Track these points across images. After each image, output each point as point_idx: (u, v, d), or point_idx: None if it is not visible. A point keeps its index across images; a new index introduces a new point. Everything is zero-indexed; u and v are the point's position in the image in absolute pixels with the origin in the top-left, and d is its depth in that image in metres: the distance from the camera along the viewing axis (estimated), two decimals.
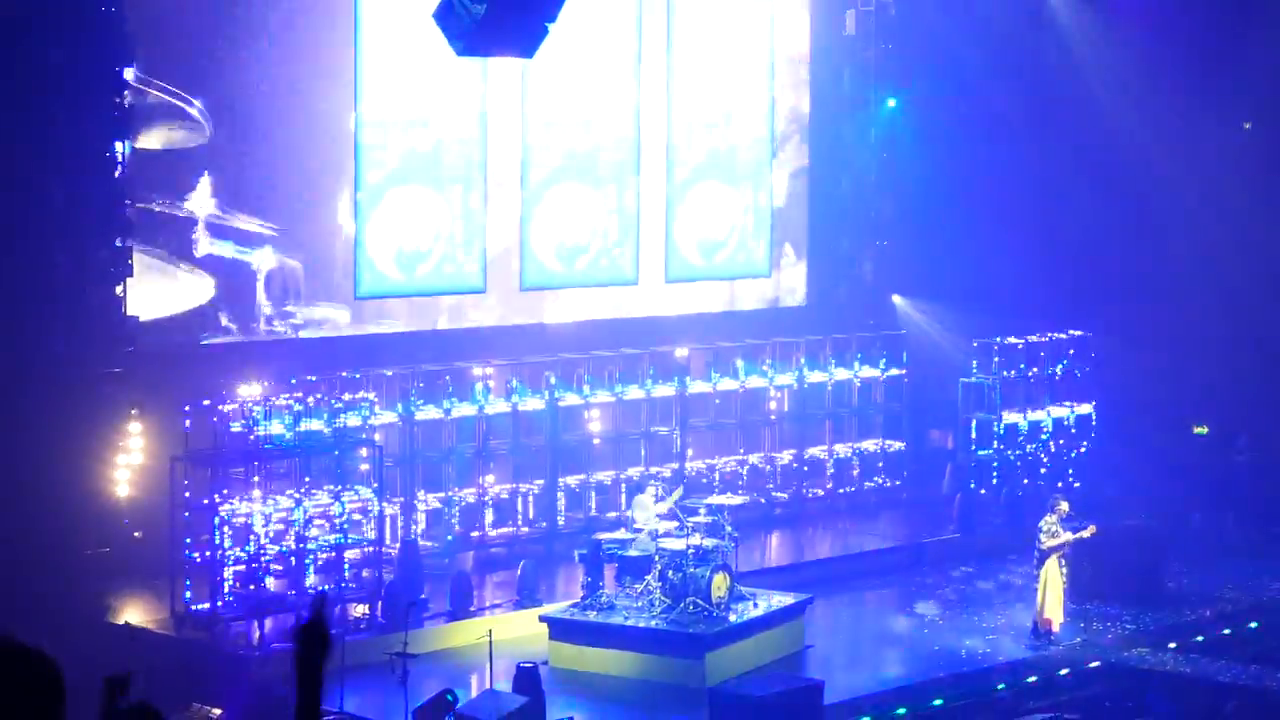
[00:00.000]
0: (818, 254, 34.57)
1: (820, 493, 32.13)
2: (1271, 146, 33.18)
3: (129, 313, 25.29)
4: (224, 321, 27.13)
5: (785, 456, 31.97)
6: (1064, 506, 24.36)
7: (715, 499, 24.70)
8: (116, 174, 25.01)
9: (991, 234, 33.02)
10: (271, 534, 23.84)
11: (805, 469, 32.12)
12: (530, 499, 28.37)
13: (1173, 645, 24.49)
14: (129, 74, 25.20)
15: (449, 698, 19.48)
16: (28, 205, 24.26)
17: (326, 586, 23.56)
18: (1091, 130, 33.55)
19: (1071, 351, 32.69)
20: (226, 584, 23.31)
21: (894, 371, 32.93)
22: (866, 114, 34.63)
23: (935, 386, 32.62)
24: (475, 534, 27.63)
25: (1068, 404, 32.50)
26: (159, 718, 5.47)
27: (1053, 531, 24.05)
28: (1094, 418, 32.67)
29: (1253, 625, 25.65)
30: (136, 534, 25.23)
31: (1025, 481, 31.41)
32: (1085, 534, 24.34)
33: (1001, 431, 31.60)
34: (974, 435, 31.69)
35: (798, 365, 31.92)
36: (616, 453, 29.52)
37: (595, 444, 29.33)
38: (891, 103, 34.46)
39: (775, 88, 33.77)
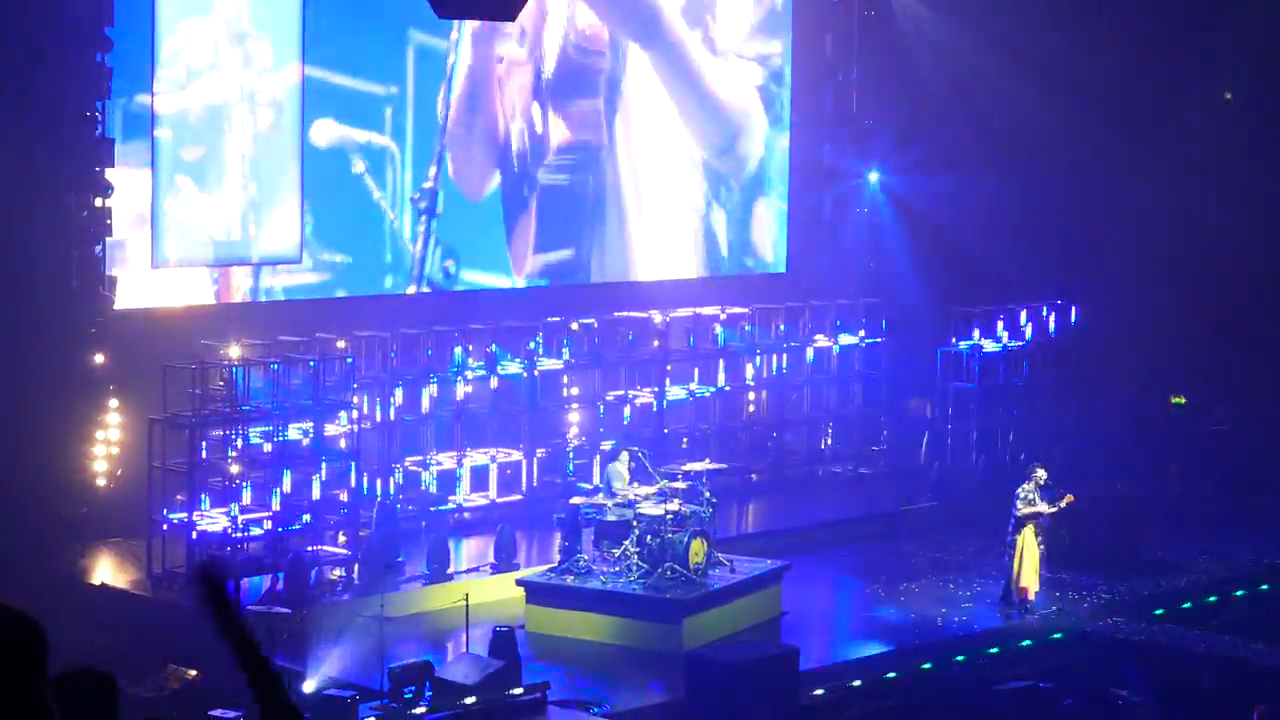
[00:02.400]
0: (797, 221, 34.53)
1: (797, 459, 32.17)
2: (1252, 117, 33.18)
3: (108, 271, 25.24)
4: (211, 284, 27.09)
5: (763, 423, 32.04)
6: (1041, 474, 24.39)
7: (693, 465, 24.69)
8: (97, 133, 24.90)
9: (972, 203, 32.98)
10: (249, 496, 23.79)
11: (783, 436, 32.16)
12: (509, 464, 28.34)
13: (1149, 614, 24.56)
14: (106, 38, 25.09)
15: (415, 659, 19.56)
16: (7, 164, 24.14)
17: (311, 550, 23.57)
18: (1073, 98, 33.50)
19: (1053, 323, 32.74)
20: (202, 545, 23.25)
21: (872, 339, 32.98)
22: (847, 80, 34.59)
23: (914, 355, 32.61)
24: (452, 504, 27.60)
25: (1044, 372, 32.58)
26: (110, 682, 5.43)
27: (1029, 499, 24.09)
28: (1072, 388, 32.70)
29: (1229, 595, 25.73)
30: (114, 494, 25.19)
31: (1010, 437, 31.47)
32: (1062, 504, 24.40)
33: (975, 398, 31.62)
34: (953, 402, 31.72)
35: (777, 332, 31.93)
36: (594, 418, 29.50)
37: (573, 409, 29.33)
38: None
39: (758, 55, 33.70)
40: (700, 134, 33.05)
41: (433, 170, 29.23)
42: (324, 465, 24.47)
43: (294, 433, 24.45)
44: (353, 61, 28.21)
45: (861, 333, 32.77)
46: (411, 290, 29.28)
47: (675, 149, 32.72)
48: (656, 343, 30.33)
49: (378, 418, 26.67)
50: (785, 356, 32.15)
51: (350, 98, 28.25)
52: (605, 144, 31.71)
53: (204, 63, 26.54)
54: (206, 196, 26.63)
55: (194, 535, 23.10)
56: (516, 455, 28.37)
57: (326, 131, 28.02)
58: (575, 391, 29.50)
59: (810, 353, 32.45)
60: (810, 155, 34.52)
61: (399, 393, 26.97)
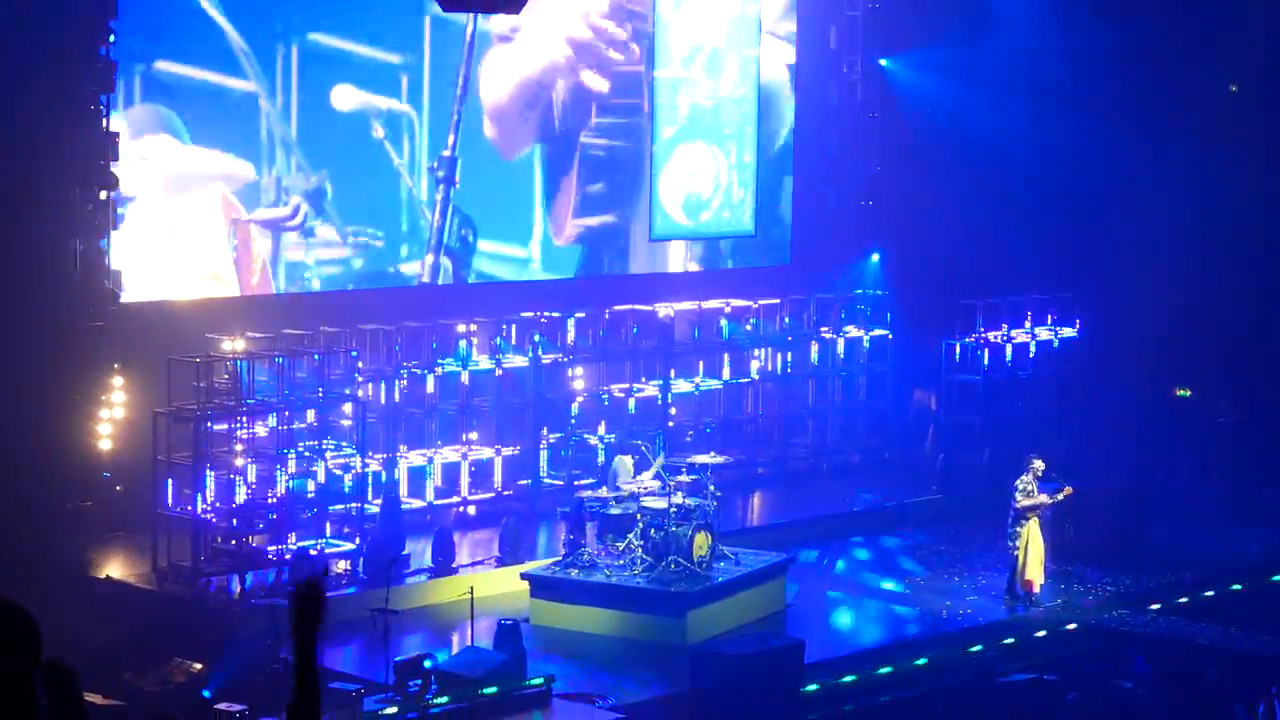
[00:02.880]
0: (803, 213, 34.53)
1: (802, 452, 32.18)
2: (1259, 109, 33.12)
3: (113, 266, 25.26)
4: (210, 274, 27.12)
5: (768, 416, 32.08)
6: (1039, 465, 24.41)
7: (698, 458, 24.70)
8: (102, 125, 24.90)
9: (978, 196, 32.96)
10: (254, 489, 23.79)
11: (788, 429, 32.18)
12: (515, 457, 28.34)
13: (1154, 607, 24.56)
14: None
15: (420, 653, 19.56)
16: (11, 157, 24.15)
17: (316, 545, 23.57)
18: (1079, 92, 33.49)
19: (1056, 315, 32.77)
20: (208, 539, 23.26)
21: (878, 332, 32.99)
22: (854, 72, 34.56)
23: (920, 347, 32.61)
24: (457, 498, 27.61)
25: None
26: (71, 677, 5.43)
27: (1028, 491, 24.10)
28: (1077, 380, 32.72)
29: (1234, 588, 25.71)
30: (118, 488, 25.23)
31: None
32: (1060, 496, 24.40)
33: (981, 391, 31.64)
34: (957, 395, 31.74)
35: (782, 325, 31.94)
36: (599, 411, 29.50)
37: (578, 402, 29.33)
38: (884, 62, 34.41)
39: (762, 44, 33.69)
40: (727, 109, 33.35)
41: (451, 139, 29.27)
42: (328, 459, 24.45)
43: (298, 425, 24.46)
44: (368, 29, 28.32)
45: (864, 333, 32.77)
46: (429, 259, 29.33)
47: (705, 120, 32.91)
48: (660, 339, 30.33)
49: (383, 408, 26.68)
50: (790, 350, 32.15)
51: (366, 65, 28.34)
52: (646, 110, 31.89)
53: None
54: None
55: (202, 531, 23.05)
56: (506, 451, 28.38)
57: (348, 97, 28.14)
58: (580, 385, 29.50)
59: (815, 346, 32.44)
60: (816, 140, 34.55)
61: (398, 385, 26.98)
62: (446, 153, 29.22)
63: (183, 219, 26.59)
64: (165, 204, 26.31)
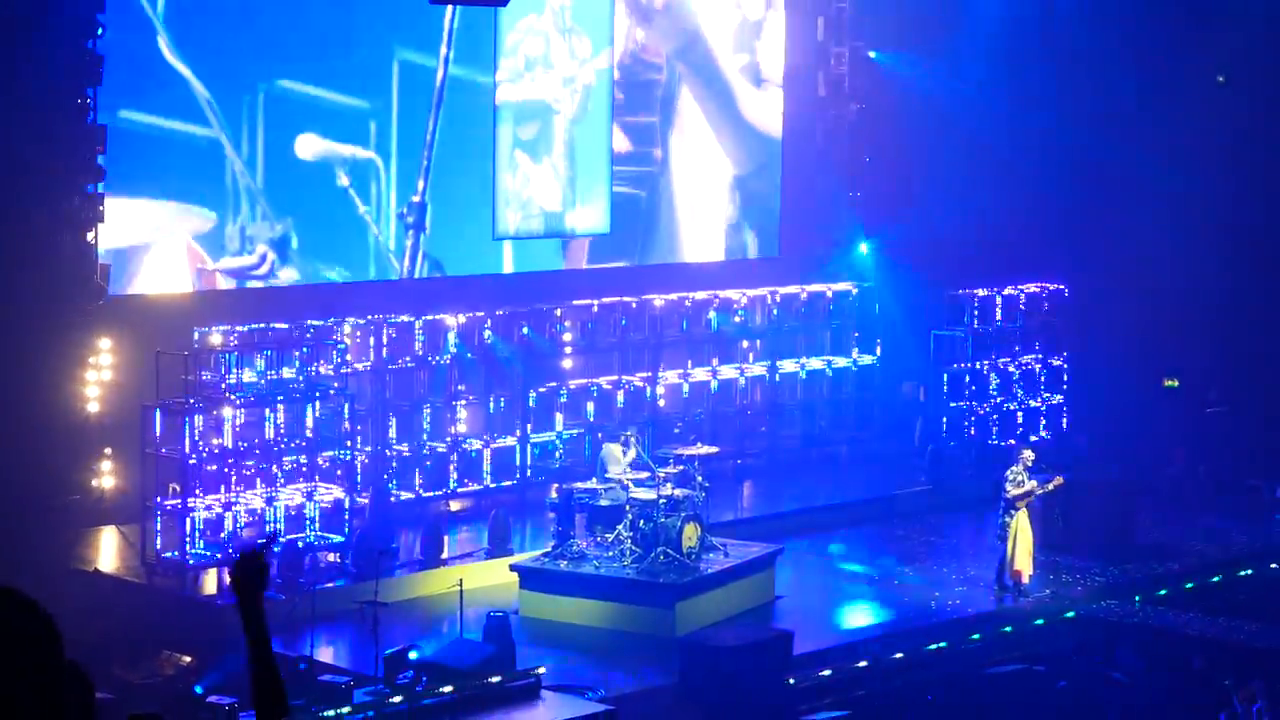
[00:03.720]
0: (791, 206, 34.52)
1: (791, 443, 32.21)
2: (1246, 101, 33.12)
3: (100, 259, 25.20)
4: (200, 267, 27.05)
5: (756, 407, 32.11)
6: (1029, 455, 24.45)
7: (686, 449, 24.70)
8: (89, 119, 24.85)
9: (966, 187, 32.97)
10: (242, 482, 23.79)
11: (776, 421, 32.21)
12: (501, 449, 28.36)
13: (1141, 598, 24.59)
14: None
15: (408, 645, 19.55)
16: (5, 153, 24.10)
17: (307, 538, 23.57)
18: (1067, 84, 33.51)
19: (1046, 305, 32.82)
20: (197, 532, 23.25)
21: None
22: (842, 65, 34.54)
23: (908, 338, 32.63)
24: (443, 494, 27.61)
25: (1038, 356, 32.65)
26: (87, 684, 5.42)
27: (1018, 481, 24.12)
28: (1066, 371, 32.81)
29: (1221, 578, 25.74)
30: (107, 481, 25.18)
31: (995, 431, 31.54)
32: (1051, 486, 24.43)
33: (969, 382, 31.72)
34: (945, 386, 31.80)
35: (770, 316, 31.97)
36: (587, 403, 29.51)
37: (564, 399, 29.32)
38: (872, 54, 34.40)
39: (749, 38, 33.69)
40: (735, 156, 33.36)
41: (420, 184, 29.18)
42: (317, 452, 24.45)
43: (286, 416, 24.43)
44: (337, 76, 28.25)
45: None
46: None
47: (713, 168, 33.06)
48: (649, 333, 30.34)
49: (371, 401, 26.68)
50: (779, 341, 32.19)
51: (334, 111, 28.24)
52: (660, 159, 32.06)
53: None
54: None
55: (190, 524, 23.07)
56: (510, 441, 28.39)
57: (311, 146, 28.00)
58: (568, 369, 29.54)
59: (803, 338, 32.50)
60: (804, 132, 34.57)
61: (387, 378, 26.99)
62: (416, 198, 29.15)
63: (148, 268, 26.51)
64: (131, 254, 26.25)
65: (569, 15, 30.80)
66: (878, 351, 33.22)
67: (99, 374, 25.09)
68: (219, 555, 22.91)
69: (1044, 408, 32.64)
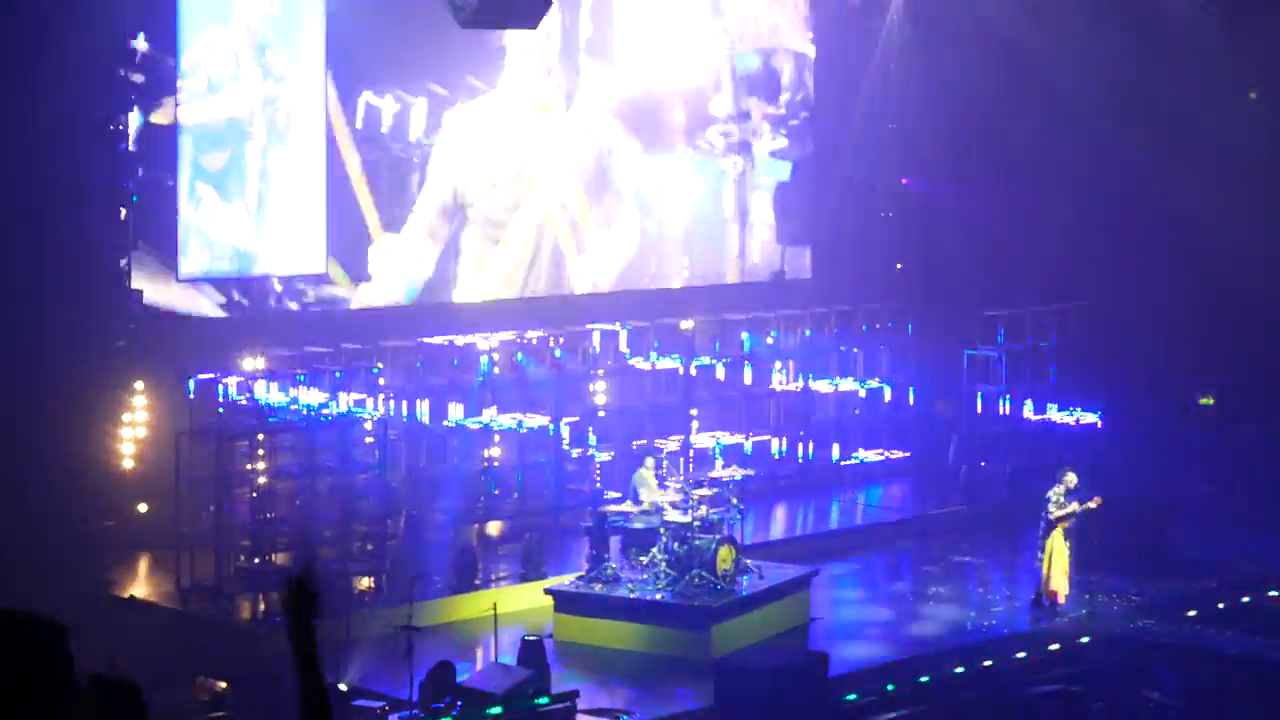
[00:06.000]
0: (823, 227, 34.46)
1: (825, 464, 32.14)
2: (1278, 115, 32.96)
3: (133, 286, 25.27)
4: (234, 296, 27.01)
5: (790, 429, 32.06)
6: (1071, 478, 24.33)
7: (721, 472, 24.65)
8: (122, 146, 24.95)
9: (996, 206, 32.90)
10: (277, 507, 23.82)
11: (811, 442, 32.14)
12: (535, 472, 28.36)
13: (1179, 616, 24.45)
14: (140, 43, 25.14)
15: (443, 669, 19.50)
16: (29, 178, 24.19)
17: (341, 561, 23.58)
18: (1096, 100, 33.36)
19: (1078, 324, 32.71)
20: (232, 557, 23.29)
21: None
22: (874, 86, 34.51)
23: (941, 358, 32.56)
24: (480, 511, 27.63)
25: (1072, 375, 32.53)
26: (136, 694, 5.43)
27: (1060, 502, 24.03)
28: (1100, 390, 32.67)
29: (1258, 596, 25.59)
30: (142, 507, 25.26)
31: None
32: (1091, 505, 24.32)
33: (1007, 410, 31.66)
34: (980, 406, 31.72)
35: (802, 337, 31.94)
36: (621, 425, 29.48)
37: (600, 416, 29.32)
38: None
39: (781, 61, 33.68)
40: None
41: None
42: (352, 475, 24.47)
43: (320, 441, 24.47)
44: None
45: (884, 345, 32.75)
46: None
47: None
48: (681, 354, 30.29)
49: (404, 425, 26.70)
50: (811, 362, 32.14)
51: None
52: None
53: (226, 74, 26.43)
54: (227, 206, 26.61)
55: (225, 550, 23.10)
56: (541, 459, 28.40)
57: None
58: (602, 400, 29.50)
59: (835, 358, 32.45)
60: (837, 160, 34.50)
61: (424, 404, 27.01)
62: None
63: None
64: None
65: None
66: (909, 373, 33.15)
67: (133, 398, 25.16)
68: (255, 581, 22.94)
69: (1078, 425, 32.46)
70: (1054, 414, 31.90)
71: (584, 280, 31.09)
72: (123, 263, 25.06)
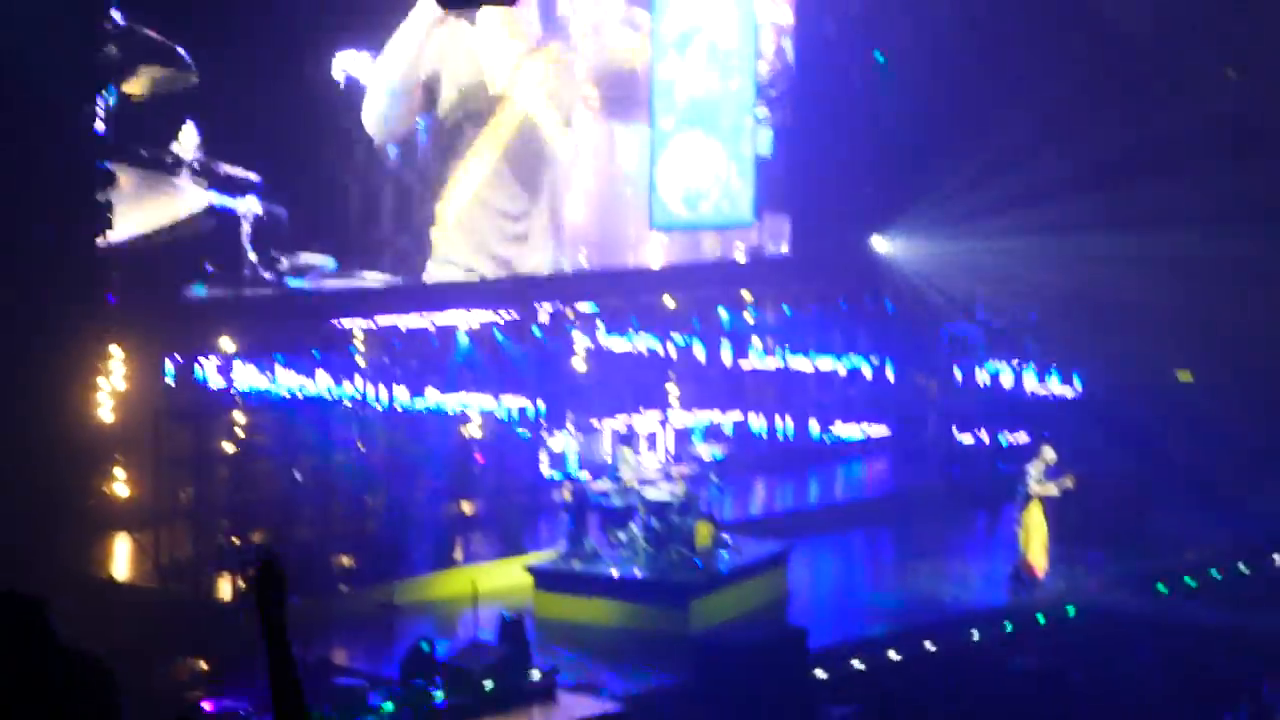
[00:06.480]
0: (801, 202, 34.39)
1: (804, 441, 32.17)
2: (1254, 96, 32.97)
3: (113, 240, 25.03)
4: (209, 270, 26.87)
5: (768, 406, 32.08)
6: (1050, 454, 24.38)
7: (699, 448, 24.68)
8: (96, 125, 24.82)
9: (975, 181, 32.86)
10: (256, 486, 23.80)
11: (789, 417, 32.16)
12: (514, 450, 28.33)
13: (1156, 590, 24.54)
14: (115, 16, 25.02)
15: (423, 647, 19.50)
16: (2, 158, 24.05)
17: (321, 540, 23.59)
18: (1075, 78, 33.33)
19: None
20: (210, 536, 23.27)
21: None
22: (852, 63, 34.44)
23: (920, 333, 32.58)
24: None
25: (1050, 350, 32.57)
26: (108, 675, 5.42)
27: (1039, 478, 24.08)
28: (1079, 366, 32.70)
29: (1236, 570, 25.68)
30: (119, 487, 25.19)
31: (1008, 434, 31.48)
32: (1068, 484, 24.31)
33: (988, 381, 31.68)
34: (959, 382, 31.75)
35: (780, 314, 31.93)
36: (600, 404, 29.47)
37: (578, 395, 29.30)
38: (880, 59, 34.28)
39: (759, 37, 33.58)
40: None
41: None
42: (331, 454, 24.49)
43: (300, 420, 24.47)
44: None
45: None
46: None
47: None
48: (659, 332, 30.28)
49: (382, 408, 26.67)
50: (789, 338, 32.15)
51: None
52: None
53: None
54: None
55: (203, 529, 23.08)
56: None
57: None
58: (582, 378, 29.50)
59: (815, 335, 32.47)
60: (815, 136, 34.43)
61: (402, 385, 26.97)
62: None
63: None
64: None
65: None
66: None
67: (109, 380, 25.08)
68: (234, 561, 22.92)
69: (1056, 401, 32.51)
70: (1032, 383, 31.95)
71: (562, 256, 30.98)
72: (99, 241, 24.90)
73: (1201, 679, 20.95)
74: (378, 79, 27.18)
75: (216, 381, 24.03)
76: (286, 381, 24.55)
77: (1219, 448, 30.70)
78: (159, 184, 25.66)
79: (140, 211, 25.49)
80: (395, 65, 27.44)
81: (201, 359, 24.00)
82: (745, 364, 31.85)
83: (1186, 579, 25.02)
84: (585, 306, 29.51)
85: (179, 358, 23.87)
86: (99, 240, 24.84)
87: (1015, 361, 32.16)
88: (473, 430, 27.87)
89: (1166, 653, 21.71)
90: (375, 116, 27.40)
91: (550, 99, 29.82)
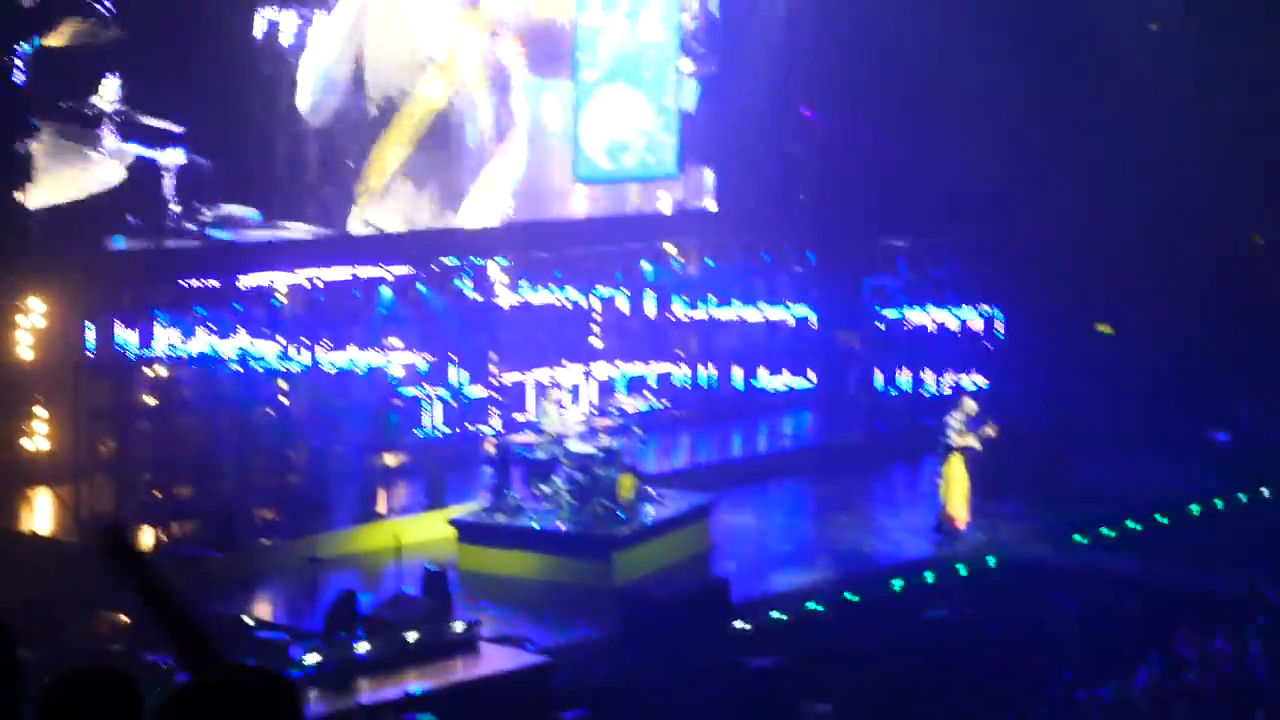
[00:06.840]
0: (726, 157, 34.39)
1: (728, 394, 32.26)
2: (1187, 44, 33.06)
3: (30, 208, 24.86)
4: (130, 222, 26.66)
5: (692, 359, 32.14)
6: (970, 405, 24.53)
7: (623, 401, 24.73)
8: (15, 77, 24.57)
9: (901, 137, 32.92)
10: (178, 440, 23.70)
11: (714, 370, 32.24)
12: (436, 403, 28.31)
13: (1075, 540, 24.76)
14: None
15: (346, 600, 19.48)
16: None
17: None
18: (1005, 36, 33.35)
19: (979, 253, 32.89)
20: (132, 490, 23.17)
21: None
22: (774, 16, 34.40)
23: (841, 287, 32.66)
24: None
25: (971, 303, 32.75)
26: (6, 630, 5.40)
27: (960, 429, 24.23)
28: (999, 318, 32.90)
29: (1152, 521, 25.92)
30: (38, 440, 25.01)
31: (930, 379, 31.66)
32: (989, 432, 24.46)
33: (909, 326, 31.84)
34: (881, 334, 31.88)
35: (705, 268, 31.97)
36: (523, 356, 29.45)
37: (500, 347, 29.27)
38: None
39: None
40: None
41: None
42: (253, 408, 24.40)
43: (222, 374, 24.36)
44: None
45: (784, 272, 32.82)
46: None
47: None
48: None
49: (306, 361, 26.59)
50: (714, 292, 32.21)
51: None
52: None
53: None
54: None
55: (124, 482, 22.97)
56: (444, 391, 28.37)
57: None
58: (505, 330, 29.46)
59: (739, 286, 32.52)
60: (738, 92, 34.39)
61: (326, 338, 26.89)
62: None
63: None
64: None
65: None
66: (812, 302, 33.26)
67: (29, 333, 24.87)
68: (156, 514, 22.85)
69: (977, 354, 32.70)
70: (952, 330, 32.10)
71: (484, 209, 30.87)
72: (19, 194, 24.67)
73: (1117, 630, 21.18)
74: (310, 59, 27.06)
75: (136, 336, 23.85)
76: (208, 335, 24.40)
77: (1137, 399, 31.00)
78: (78, 147, 25.44)
79: (59, 182, 25.27)
80: (328, 42, 27.34)
81: (121, 312, 23.81)
82: (669, 316, 31.87)
83: (1104, 530, 25.25)
84: (506, 260, 29.45)
85: (99, 310, 23.67)
86: (17, 195, 24.63)
87: (935, 310, 32.26)
88: (395, 382, 27.79)
89: (1084, 603, 21.92)
90: (308, 97, 27.31)
91: (482, 62, 29.72)
